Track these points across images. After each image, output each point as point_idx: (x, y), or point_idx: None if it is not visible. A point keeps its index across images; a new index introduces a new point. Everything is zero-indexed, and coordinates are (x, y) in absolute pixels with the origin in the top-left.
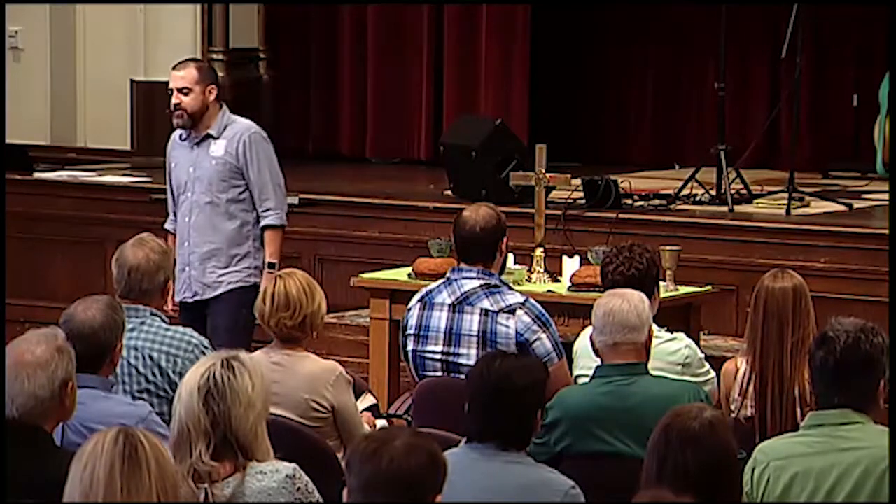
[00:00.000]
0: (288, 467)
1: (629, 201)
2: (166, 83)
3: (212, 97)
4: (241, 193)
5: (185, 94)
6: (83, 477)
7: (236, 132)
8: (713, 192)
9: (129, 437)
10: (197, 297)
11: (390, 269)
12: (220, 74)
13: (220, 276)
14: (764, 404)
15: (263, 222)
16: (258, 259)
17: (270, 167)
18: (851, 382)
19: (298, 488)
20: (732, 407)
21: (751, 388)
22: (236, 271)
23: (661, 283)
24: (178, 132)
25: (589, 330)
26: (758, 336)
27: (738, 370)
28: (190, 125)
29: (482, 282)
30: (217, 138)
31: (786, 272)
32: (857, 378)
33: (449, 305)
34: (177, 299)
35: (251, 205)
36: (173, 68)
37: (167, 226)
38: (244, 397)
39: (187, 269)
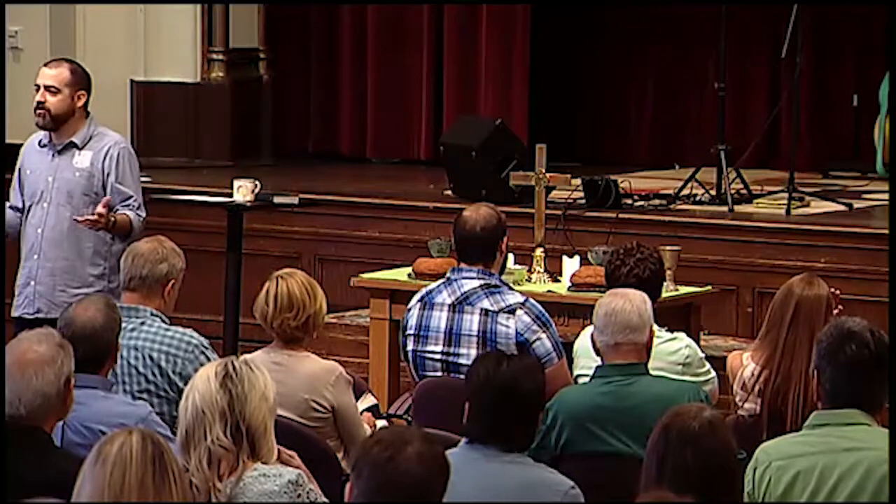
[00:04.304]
0: (292, 473)
1: (629, 201)
2: (166, 83)
3: (80, 103)
4: None
5: (52, 94)
6: (112, 480)
7: (104, 144)
8: (713, 192)
9: (156, 442)
10: (40, 315)
11: (390, 269)
12: (220, 74)
13: (74, 295)
14: (783, 406)
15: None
16: (113, 281)
17: (136, 183)
18: (877, 377)
19: (299, 495)
20: (737, 399)
21: (757, 387)
22: (90, 293)
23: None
24: (36, 138)
25: (589, 329)
26: (782, 340)
27: (743, 367)
28: (51, 127)
29: (482, 282)
30: (81, 149)
31: (814, 277)
32: (883, 372)
33: (449, 305)
34: (15, 313)
35: None
36: (45, 65)
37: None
38: (259, 387)
39: (32, 283)
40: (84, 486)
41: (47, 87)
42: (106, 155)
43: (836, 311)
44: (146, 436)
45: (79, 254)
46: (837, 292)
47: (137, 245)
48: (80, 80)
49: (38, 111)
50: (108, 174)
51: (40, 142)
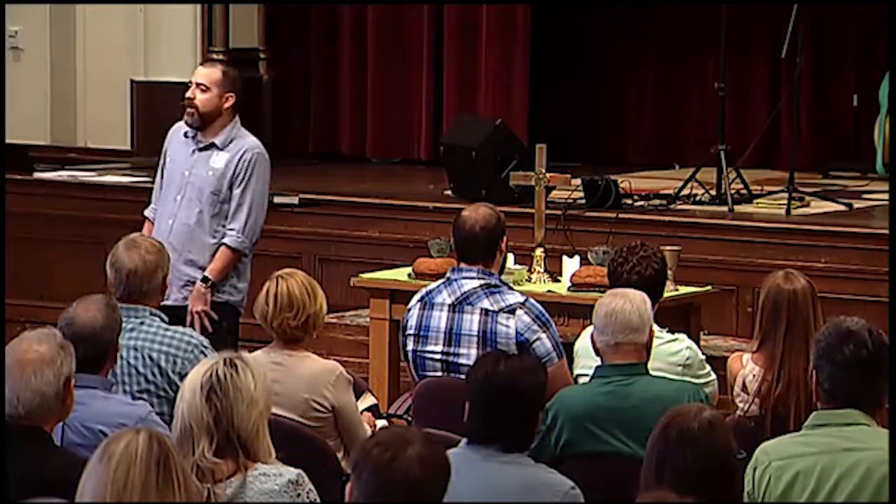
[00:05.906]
0: (292, 472)
1: (629, 201)
2: (166, 83)
3: (227, 104)
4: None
5: (202, 92)
6: (115, 477)
7: (241, 147)
8: (713, 192)
9: (162, 444)
10: (167, 302)
11: (390, 269)
12: None
13: (189, 289)
14: (786, 412)
15: (223, 239)
16: (233, 277)
17: (255, 191)
18: (876, 376)
19: (299, 494)
20: (738, 402)
21: (762, 389)
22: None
23: None
24: (181, 128)
25: (589, 329)
26: (780, 346)
27: (743, 368)
28: (198, 125)
29: (482, 282)
30: (221, 149)
31: (789, 273)
32: (882, 372)
33: (449, 305)
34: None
35: None
36: (201, 64)
37: (147, 212)
38: (247, 394)
39: None
40: (88, 483)
41: (198, 85)
42: (241, 158)
43: None
44: (154, 436)
45: (201, 250)
46: None
47: (123, 261)
48: (230, 83)
49: (188, 108)
50: (237, 176)
51: (185, 133)
